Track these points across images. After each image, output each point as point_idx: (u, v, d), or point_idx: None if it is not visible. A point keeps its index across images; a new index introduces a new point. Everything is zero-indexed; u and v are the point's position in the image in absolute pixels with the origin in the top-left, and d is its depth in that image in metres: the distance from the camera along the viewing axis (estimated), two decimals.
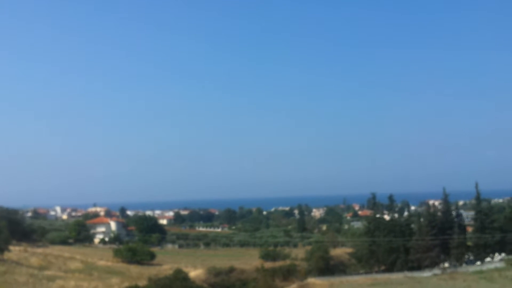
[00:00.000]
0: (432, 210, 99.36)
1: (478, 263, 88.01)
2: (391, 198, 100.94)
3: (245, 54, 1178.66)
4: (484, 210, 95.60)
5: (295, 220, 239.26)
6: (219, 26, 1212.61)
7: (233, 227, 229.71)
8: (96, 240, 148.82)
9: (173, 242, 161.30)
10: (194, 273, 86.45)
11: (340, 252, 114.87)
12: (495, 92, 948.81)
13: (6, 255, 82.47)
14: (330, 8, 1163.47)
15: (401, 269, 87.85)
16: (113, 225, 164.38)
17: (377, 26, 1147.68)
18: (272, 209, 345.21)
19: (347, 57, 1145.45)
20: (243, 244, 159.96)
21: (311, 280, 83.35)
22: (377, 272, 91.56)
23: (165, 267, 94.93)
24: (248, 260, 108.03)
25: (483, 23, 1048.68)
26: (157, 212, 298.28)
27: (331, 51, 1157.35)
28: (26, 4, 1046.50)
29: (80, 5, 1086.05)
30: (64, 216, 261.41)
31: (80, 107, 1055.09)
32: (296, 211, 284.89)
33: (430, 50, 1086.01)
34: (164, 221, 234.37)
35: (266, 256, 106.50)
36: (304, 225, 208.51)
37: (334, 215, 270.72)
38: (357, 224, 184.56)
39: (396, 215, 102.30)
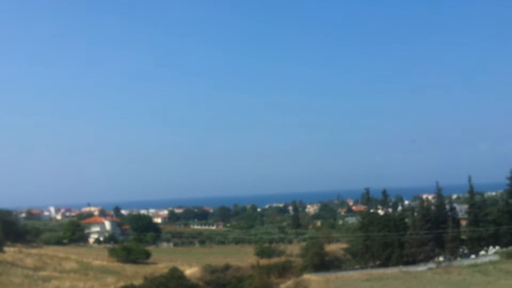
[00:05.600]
0: (425, 204, 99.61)
1: (473, 256, 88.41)
2: (384, 193, 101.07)
3: (242, 52, 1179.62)
4: (478, 204, 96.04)
5: (289, 217, 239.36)
6: (217, 24, 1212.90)
7: (228, 225, 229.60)
8: (91, 240, 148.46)
9: (168, 240, 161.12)
10: (190, 271, 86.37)
11: (335, 247, 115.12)
12: (487, 85, 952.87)
13: (1, 256, 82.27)
14: (331, 4, 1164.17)
15: (396, 264, 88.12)
16: (107, 224, 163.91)
17: (376, 23, 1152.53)
18: (267, 206, 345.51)
19: (342, 53, 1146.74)
20: (238, 242, 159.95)
21: (306, 276, 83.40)
22: (372, 267, 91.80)
23: (160, 265, 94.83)
24: (243, 257, 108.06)
25: (477, 19, 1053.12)
26: (152, 210, 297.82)
27: (328, 48, 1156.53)
28: (26, 5, 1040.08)
29: (78, 5, 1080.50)
30: (58, 217, 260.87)
31: (74, 106, 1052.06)
32: (290, 208, 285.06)
33: (425, 46, 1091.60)
34: (158, 220, 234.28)
35: (261, 253, 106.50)
36: (298, 221, 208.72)
37: (329, 211, 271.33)
38: (352, 220, 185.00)
39: (390, 210, 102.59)
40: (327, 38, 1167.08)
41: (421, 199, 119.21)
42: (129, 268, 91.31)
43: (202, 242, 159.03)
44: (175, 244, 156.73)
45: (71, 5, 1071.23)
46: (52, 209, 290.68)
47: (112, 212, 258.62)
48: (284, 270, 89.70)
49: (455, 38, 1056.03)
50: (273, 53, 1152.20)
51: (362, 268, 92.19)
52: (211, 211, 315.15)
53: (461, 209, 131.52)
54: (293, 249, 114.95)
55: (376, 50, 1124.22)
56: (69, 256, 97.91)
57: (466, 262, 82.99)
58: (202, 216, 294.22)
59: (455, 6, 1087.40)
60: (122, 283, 69.81)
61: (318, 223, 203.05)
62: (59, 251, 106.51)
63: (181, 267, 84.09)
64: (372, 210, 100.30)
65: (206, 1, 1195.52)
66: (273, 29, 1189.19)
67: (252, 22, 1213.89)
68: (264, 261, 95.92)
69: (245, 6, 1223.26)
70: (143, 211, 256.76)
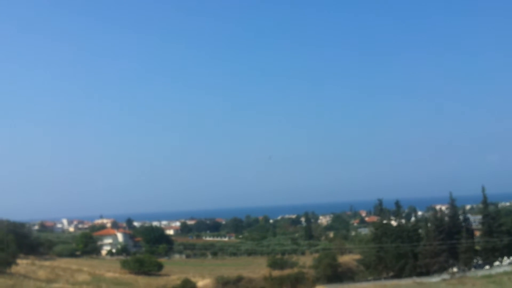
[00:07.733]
0: (439, 215, 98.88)
1: (487, 267, 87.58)
2: (398, 203, 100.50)
3: (250, 60, 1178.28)
4: (492, 214, 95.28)
5: (302, 228, 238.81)
6: (218, 32, 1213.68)
7: (240, 236, 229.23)
8: (103, 252, 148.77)
9: (180, 252, 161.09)
10: (202, 283, 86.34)
11: (348, 259, 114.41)
12: (500, 94, 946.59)
13: (14, 268, 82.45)
14: (331, 11, 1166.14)
15: (409, 275, 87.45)
16: (120, 236, 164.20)
17: (379, 30, 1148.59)
18: (279, 217, 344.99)
19: (351, 61, 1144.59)
20: (250, 253, 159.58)
21: (319, 287, 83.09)
22: (385, 278, 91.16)
23: (172, 277, 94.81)
24: (255, 269, 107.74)
25: (487, 27, 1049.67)
26: (164, 222, 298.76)
27: (336, 58, 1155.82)
28: (22, 11, 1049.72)
29: (73, 12, 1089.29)
30: (71, 229, 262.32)
31: (85, 119, 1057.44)
32: (302, 219, 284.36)
33: (433, 54, 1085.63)
34: (171, 232, 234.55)
35: (273, 265, 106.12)
36: (311, 232, 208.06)
37: (341, 222, 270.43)
38: (364, 231, 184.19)
39: (403, 221, 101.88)
40: (330, 46, 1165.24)
41: (435, 209, 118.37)
42: (142, 280, 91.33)
43: (214, 254, 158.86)
44: (188, 256, 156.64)
45: (67, 12, 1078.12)
46: (64, 221, 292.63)
47: (124, 224, 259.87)
48: (296, 282, 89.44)
49: (464, 47, 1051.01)
50: (280, 62, 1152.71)
51: (375, 279, 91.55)
52: (223, 222, 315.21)
53: (475, 219, 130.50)
54: (306, 261, 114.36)
55: (382, 58, 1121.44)
56: (81, 268, 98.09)
57: (480, 273, 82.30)
58: (214, 227, 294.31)
59: (472, 12, 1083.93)
60: None
61: (331, 234, 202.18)
62: (72, 263, 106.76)
63: (193, 279, 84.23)
64: (385, 221, 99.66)
65: (206, 10, 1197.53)
66: (274, 37, 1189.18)
67: (253, 28, 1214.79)
68: (276, 273, 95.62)
69: (245, 12, 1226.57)
70: (155, 223, 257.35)
